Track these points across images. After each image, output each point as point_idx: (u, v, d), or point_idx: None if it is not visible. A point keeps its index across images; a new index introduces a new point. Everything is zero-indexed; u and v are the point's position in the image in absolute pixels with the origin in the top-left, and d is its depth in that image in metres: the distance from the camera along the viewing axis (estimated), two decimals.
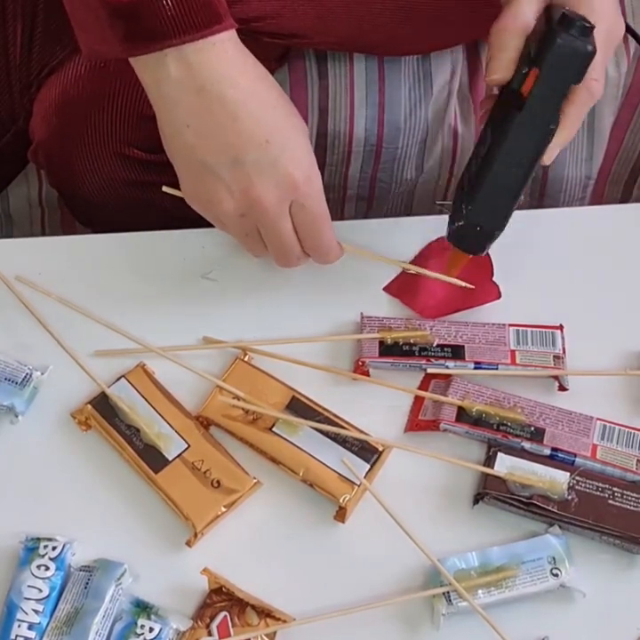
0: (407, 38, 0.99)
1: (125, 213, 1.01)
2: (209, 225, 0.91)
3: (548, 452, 0.80)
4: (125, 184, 1.00)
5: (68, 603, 0.74)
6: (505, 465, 0.78)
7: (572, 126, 0.79)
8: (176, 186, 1.00)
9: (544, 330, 0.86)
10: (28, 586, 0.74)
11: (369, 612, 0.74)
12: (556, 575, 0.75)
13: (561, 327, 0.86)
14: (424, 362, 0.84)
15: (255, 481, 0.79)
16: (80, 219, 1.09)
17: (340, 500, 0.77)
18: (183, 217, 1.02)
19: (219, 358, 0.85)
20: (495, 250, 0.93)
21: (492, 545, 0.76)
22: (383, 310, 0.88)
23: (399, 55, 1.03)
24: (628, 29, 0.94)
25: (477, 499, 0.78)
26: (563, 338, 0.85)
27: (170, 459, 0.79)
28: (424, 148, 1.09)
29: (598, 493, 0.77)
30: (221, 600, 0.74)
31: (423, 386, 0.84)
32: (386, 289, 0.90)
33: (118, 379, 0.83)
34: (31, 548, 0.75)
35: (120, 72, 0.95)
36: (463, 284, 0.85)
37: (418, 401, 0.84)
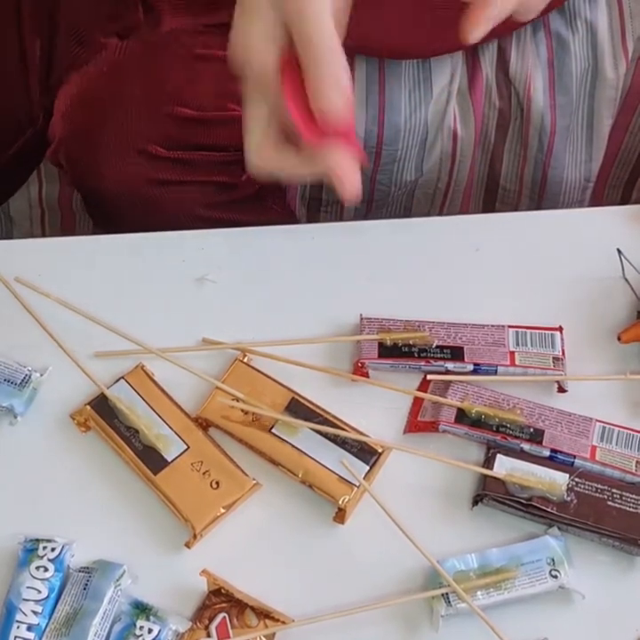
0: (414, 44, 1.00)
1: (147, 213, 1.01)
2: (210, 227, 0.92)
3: (547, 453, 0.80)
4: (147, 182, 1.00)
5: (67, 604, 0.74)
6: (504, 466, 0.78)
7: None
8: (196, 185, 1.00)
9: (543, 331, 0.86)
10: (27, 587, 0.74)
11: (368, 614, 0.74)
12: (556, 577, 0.75)
13: (560, 328, 0.86)
14: (423, 363, 0.84)
15: (254, 482, 0.79)
16: (99, 221, 1.09)
17: (340, 502, 0.77)
18: (208, 218, 1.02)
19: (218, 359, 0.85)
20: (494, 251, 0.93)
21: (492, 546, 0.76)
22: (382, 311, 0.88)
23: (402, 59, 1.03)
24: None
25: (476, 500, 0.78)
26: (562, 339, 0.85)
27: (169, 460, 0.79)
28: (424, 150, 1.09)
29: (597, 495, 0.77)
30: (220, 601, 0.74)
31: (422, 387, 0.84)
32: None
33: (117, 380, 0.83)
34: (30, 550, 0.75)
35: (143, 68, 0.96)
36: None
37: (417, 402, 0.84)
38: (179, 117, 0.97)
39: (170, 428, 0.80)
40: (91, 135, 0.98)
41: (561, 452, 0.80)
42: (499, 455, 0.79)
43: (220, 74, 0.96)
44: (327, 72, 0.67)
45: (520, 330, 0.86)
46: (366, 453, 0.79)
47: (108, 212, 1.04)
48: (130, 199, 1.00)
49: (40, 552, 0.75)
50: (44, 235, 1.15)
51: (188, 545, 0.76)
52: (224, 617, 0.73)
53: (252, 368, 0.84)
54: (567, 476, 0.78)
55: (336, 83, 0.67)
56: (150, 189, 1.00)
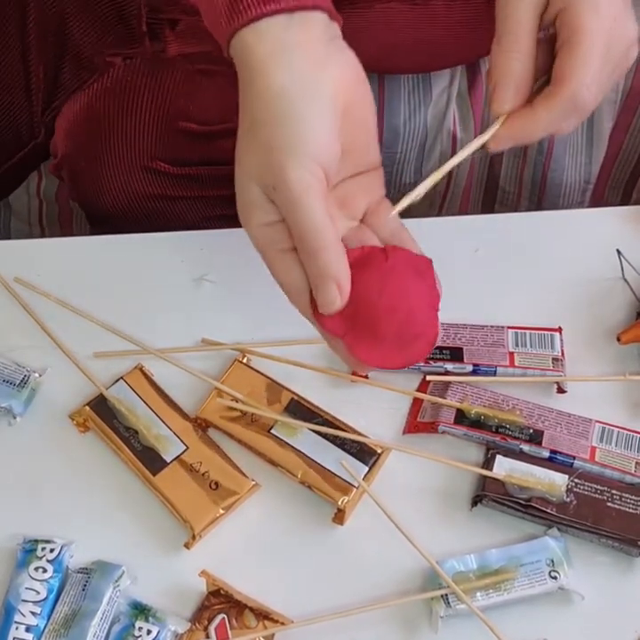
0: (413, 66, 1.00)
1: (150, 228, 1.01)
2: (208, 227, 0.92)
3: (546, 454, 0.80)
4: (151, 198, 1.00)
5: (66, 605, 0.73)
6: (503, 467, 0.78)
7: (534, 125, 0.71)
8: (201, 200, 1.00)
9: (543, 332, 0.86)
10: (26, 588, 0.74)
11: (367, 615, 0.74)
12: (555, 578, 0.75)
13: (560, 329, 0.86)
14: (422, 364, 0.84)
15: (253, 483, 0.78)
16: (99, 232, 1.09)
17: (339, 503, 0.77)
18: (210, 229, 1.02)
19: (217, 360, 0.85)
20: (494, 251, 0.93)
21: (491, 547, 0.76)
22: None
23: (400, 75, 1.03)
24: None
25: (476, 501, 0.78)
26: (561, 340, 0.85)
27: (168, 460, 0.79)
28: (423, 153, 1.09)
29: (597, 496, 0.77)
30: (219, 602, 0.74)
31: (422, 388, 0.84)
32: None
33: (116, 380, 0.83)
34: (29, 550, 0.75)
35: (147, 85, 0.96)
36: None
37: (416, 403, 0.83)
38: (184, 132, 0.97)
39: (169, 428, 0.80)
40: (95, 151, 0.98)
41: (560, 452, 0.80)
42: (498, 456, 0.79)
43: (223, 87, 0.97)
44: (321, 271, 0.65)
45: (519, 331, 0.86)
46: (365, 454, 0.79)
47: (109, 225, 1.04)
48: (133, 214, 1.00)
49: (39, 553, 0.75)
50: (41, 224, 1.15)
51: (187, 546, 0.76)
52: (223, 618, 0.73)
53: (252, 369, 0.84)
54: (566, 476, 0.78)
55: (328, 281, 0.65)
56: (154, 204, 1.00)
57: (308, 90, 0.67)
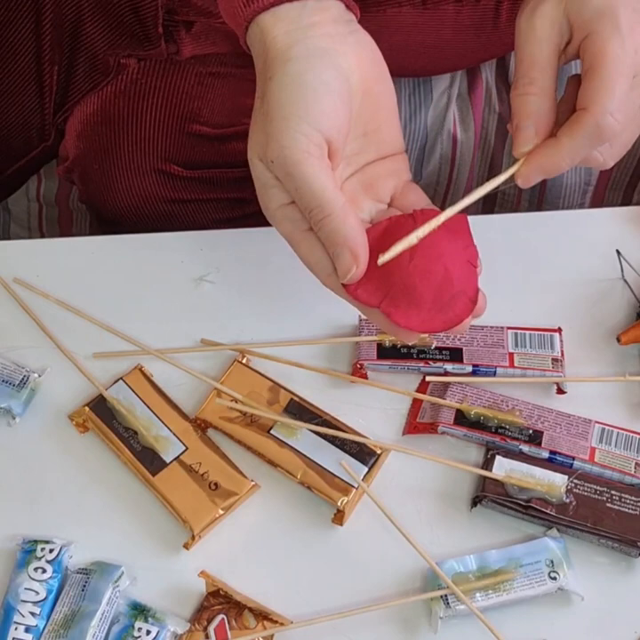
0: (422, 67, 1.00)
1: (160, 231, 1.01)
2: (208, 227, 0.92)
3: (546, 454, 0.80)
4: (163, 201, 1.00)
5: (65, 605, 0.73)
6: (503, 468, 0.78)
7: (565, 153, 0.68)
8: (213, 203, 1.00)
9: (542, 333, 0.85)
10: (25, 588, 0.74)
11: (367, 615, 0.74)
12: (554, 578, 0.75)
13: (559, 330, 0.86)
14: (422, 364, 0.84)
15: (253, 483, 0.78)
16: (106, 233, 1.10)
17: (338, 503, 0.77)
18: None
19: (216, 360, 0.85)
20: (494, 251, 0.93)
21: (491, 548, 0.76)
22: None
23: (405, 77, 1.03)
24: None
25: (475, 502, 0.78)
26: (561, 341, 0.85)
27: (167, 461, 0.79)
28: (423, 154, 1.09)
29: (596, 496, 0.77)
30: (219, 603, 0.74)
31: (421, 388, 0.84)
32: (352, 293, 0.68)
33: (116, 381, 0.83)
34: (28, 551, 0.75)
35: (160, 87, 0.96)
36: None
37: (416, 403, 0.83)
38: (196, 135, 0.97)
39: (168, 429, 0.80)
40: (107, 154, 0.98)
41: (560, 453, 0.80)
42: (498, 456, 0.79)
43: (235, 90, 0.97)
44: (330, 239, 0.65)
45: (519, 331, 0.86)
46: (365, 455, 0.79)
47: (119, 227, 1.04)
48: (144, 216, 1.00)
49: (38, 553, 0.75)
50: (40, 229, 1.15)
51: (186, 546, 0.76)
52: (222, 618, 0.73)
53: (251, 369, 0.84)
54: (566, 477, 0.78)
55: (340, 248, 0.65)
56: (166, 207, 1.00)
57: (318, 62, 0.66)
